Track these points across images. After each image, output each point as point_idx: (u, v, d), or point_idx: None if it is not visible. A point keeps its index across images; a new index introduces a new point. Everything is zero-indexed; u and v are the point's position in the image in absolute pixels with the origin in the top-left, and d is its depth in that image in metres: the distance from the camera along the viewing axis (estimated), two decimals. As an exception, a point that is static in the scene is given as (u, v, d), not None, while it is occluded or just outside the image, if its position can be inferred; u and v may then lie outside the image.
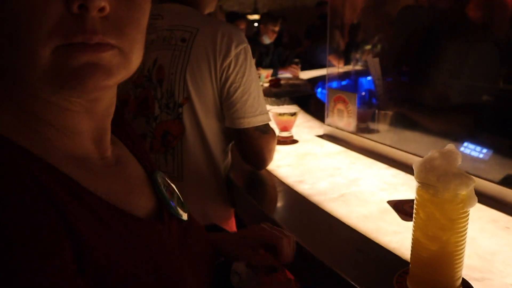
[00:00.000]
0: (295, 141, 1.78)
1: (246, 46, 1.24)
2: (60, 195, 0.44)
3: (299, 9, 10.62)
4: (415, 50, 1.98)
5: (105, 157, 0.58)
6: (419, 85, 1.87)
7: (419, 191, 0.69)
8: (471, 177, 0.66)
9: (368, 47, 5.33)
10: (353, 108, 1.72)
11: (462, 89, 1.69)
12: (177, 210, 0.64)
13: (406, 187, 1.23)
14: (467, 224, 0.68)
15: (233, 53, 1.21)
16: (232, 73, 1.22)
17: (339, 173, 1.36)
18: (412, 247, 0.73)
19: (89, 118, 0.54)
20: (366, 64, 2.21)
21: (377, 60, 1.85)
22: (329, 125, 1.86)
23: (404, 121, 1.72)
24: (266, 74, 3.65)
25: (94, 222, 0.47)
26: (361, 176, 1.33)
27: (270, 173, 1.40)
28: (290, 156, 1.58)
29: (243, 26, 4.12)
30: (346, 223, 1.02)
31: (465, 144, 1.45)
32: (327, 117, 1.87)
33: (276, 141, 1.39)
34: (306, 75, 4.05)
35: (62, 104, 0.51)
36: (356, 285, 0.80)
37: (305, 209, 1.15)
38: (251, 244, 0.77)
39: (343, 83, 2.52)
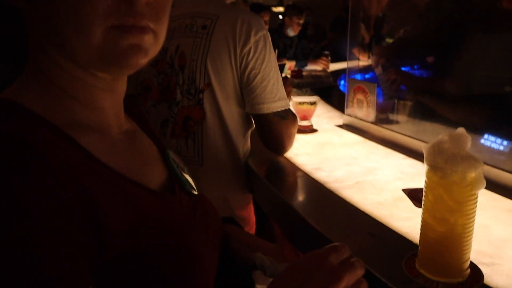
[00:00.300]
0: (314, 130, 1.80)
1: (265, 33, 1.27)
2: (80, 170, 0.48)
3: (325, 2, 10.53)
4: (439, 41, 1.96)
5: (122, 132, 0.62)
6: (441, 75, 1.86)
7: (428, 173, 0.71)
8: (479, 160, 0.67)
9: (392, 40, 5.26)
10: (373, 98, 1.72)
11: (484, 80, 1.68)
12: (189, 183, 0.68)
13: (422, 177, 1.23)
14: (475, 207, 0.69)
15: (252, 39, 1.24)
16: (251, 59, 1.25)
17: (356, 162, 1.38)
18: (421, 229, 0.75)
19: (110, 94, 0.59)
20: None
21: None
22: (349, 115, 1.87)
23: (424, 112, 1.71)
24: (289, 65, 3.66)
25: (112, 195, 0.51)
26: (378, 166, 1.34)
27: (288, 161, 1.43)
28: (309, 144, 1.60)
29: (266, 17, 4.13)
30: (360, 209, 1.04)
31: (486, 136, 1.45)
32: (347, 107, 1.88)
33: (296, 127, 1.41)
34: (330, 67, 4.04)
35: (90, 81, 0.56)
36: (368, 267, 0.82)
37: (321, 196, 1.17)
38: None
39: (367, 76, 2.51)
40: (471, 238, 0.72)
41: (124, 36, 0.50)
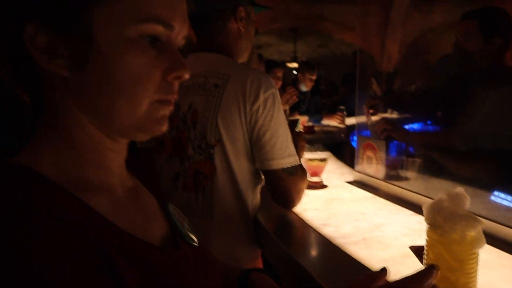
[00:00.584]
0: (324, 186, 1.81)
1: (274, 91, 1.32)
2: (94, 232, 0.51)
3: (337, 57, 10.81)
4: (449, 96, 2.01)
5: (125, 190, 0.65)
6: (450, 131, 1.88)
7: (428, 232, 0.73)
8: (478, 219, 0.68)
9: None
10: (382, 155, 1.75)
11: (493, 136, 1.70)
12: (189, 236, 0.70)
13: (430, 233, 1.24)
14: (476, 265, 0.70)
15: (261, 97, 1.29)
16: (260, 116, 1.30)
17: (364, 218, 1.39)
18: None
19: (118, 155, 0.63)
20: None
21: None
22: (358, 171, 1.89)
23: (433, 169, 1.72)
24: (302, 120, 3.73)
25: (125, 253, 0.53)
26: (386, 222, 1.35)
27: (297, 216, 1.44)
28: (318, 200, 1.62)
29: (280, 73, 4.25)
30: (366, 266, 1.04)
31: (495, 192, 1.45)
32: (357, 164, 1.91)
33: (305, 182, 1.43)
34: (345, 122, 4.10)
35: (107, 145, 0.60)
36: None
37: (328, 251, 1.18)
38: None
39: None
40: (474, 298, 0.72)
41: (162, 108, 0.58)
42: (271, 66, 4.11)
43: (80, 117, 0.57)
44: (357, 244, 1.16)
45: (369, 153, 1.82)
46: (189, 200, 1.37)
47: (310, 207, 1.52)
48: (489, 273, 0.96)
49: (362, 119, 2.37)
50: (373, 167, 1.80)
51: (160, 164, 1.44)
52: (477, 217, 0.69)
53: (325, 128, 3.65)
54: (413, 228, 1.29)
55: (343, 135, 3.44)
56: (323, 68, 7.28)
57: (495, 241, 1.16)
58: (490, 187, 1.47)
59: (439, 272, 0.60)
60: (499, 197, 1.44)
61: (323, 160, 1.82)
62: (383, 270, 0.64)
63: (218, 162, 1.34)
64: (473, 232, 0.68)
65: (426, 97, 2.33)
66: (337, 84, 7.02)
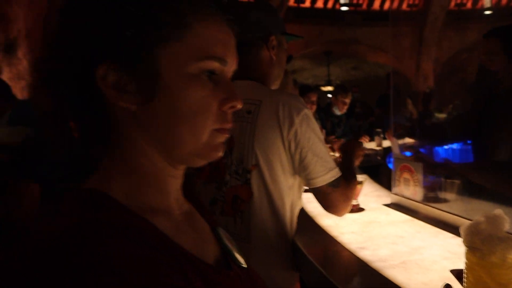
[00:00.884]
0: (361, 209, 1.81)
1: (306, 111, 1.36)
2: (165, 250, 0.55)
3: (371, 79, 10.77)
4: (487, 115, 1.98)
5: (182, 213, 0.69)
6: (489, 152, 1.85)
7: (467, 254, 0.72)
8: (517, 242, 0.68)
9: (442, 115, 5.22)
10: (419, 177, 1.73)
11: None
12: (239, 258, 0.73)
13: (472, 257, 1.21)
14: (518, 289, 0.69)
15: (296, 121, 1.32)
16: (300, 140, 1.33)
17: (402, 241, 1.37)
18: (464, 311, 0.74)
19: (176, 180, 0.68)
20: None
21: (396, 140, 1.92)
22: (396, 194, 1.87)
23: (472, 190, 1.69)
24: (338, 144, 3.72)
25: (193, 274, 0.56)
26: (425, 245, 1.33)
27: (334, 239, 1.44)
28: (355, 223, 1.61)
29: (314, 97, 4.26)
30: (406, 290, 1.03)
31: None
32: (394, 186, 1.89)
33: (350, 189, 1.45)
34: (382, 144, 4.06)
35: (168, 171, 0.65)
36: None
37: (365, 275, 1.17)
38: None
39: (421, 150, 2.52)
40: (517, 322, 0.70)
41: (220, 136, 0.64)
42: (305, 90, 4.14)
43: (145, 146, 0.62)
44: (396, 268, 1.15)
45: (406, 175, 1.81)
46: (227, 224, 1.40)
47: (347, 230, 1.52)
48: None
49: (400, 140, 2.35)
50: (410, 189, 1.78)
51: (198, 190, 1.48)
52: (517, 239, 0.68)
53: (366, 151, 3.62)
54: (454, 251, 1.26)
55: (379, 158, 3.40)
56: (358, 90, 7.25)
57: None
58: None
59: None
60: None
61: (359, 183, 1.82)
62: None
63: (255, 186, 1.37)
64: (513, 255, 0.67)
65: (460, 119, 2.30)
66: (372, 106, 6.98)
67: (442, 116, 5.18)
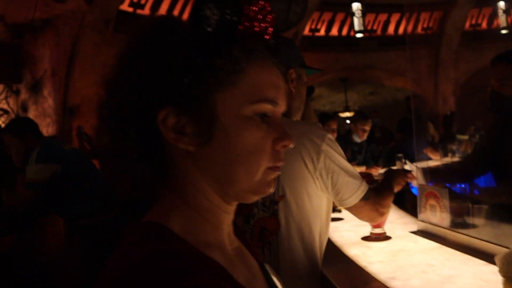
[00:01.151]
0: (388, 238, 1.79)
1: (328, 135, 1.38)
2: (228, 285, 0.57)
3: (389, 104, 10.74)
4: (506, 141, 1.96)
5: (233, 248, 0.71)
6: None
7: (505, 285, 0.72)
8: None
9: (464, 137, 5.14)
10: (446, 203, 1.72)
11: None
12: None
13: (506, 284, 1.19)
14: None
15: (323, 148, 1.35)
16: (329, 165, 1.35)
17: (433, 270, 1.36)
18: None
19: (228, 216, 0.70)
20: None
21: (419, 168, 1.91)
22: (422, 221, 1.86)
23: (502, 215, 1.66)
24: (359, 171, 3.68)
25: None
26: (457, 273, 1.31)
27: (362, 269, 1.43)
28: (382, 252, 1.60)
29: (334, 125, 4.25)
30: (440, 320, 1.02)
31: None
32: (420, 213, 1.87)
33: (383, 197, 1.47)
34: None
35: (222, 207, 0.68)
36: None
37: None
38: None
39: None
40: None
41: (272, 173, 0.66)
42: (325, 119, 4.15)
43: (202, 183, 0.65)
44: (428, 298, 1.14)
45: (432, 201, 1.79)
46: (255, 256, 1.41)
47: (375, 260, 1.51)
48: None
49: (422, 165, 2.33)
50: (437, 215, 1.76)
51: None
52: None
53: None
54: (487, 279, 1.24)
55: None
56: (378, 115, 7.23)
57: None
58: None
59: None
60: None
61: (384, 210, 1.81)
62: None
63: (282, 217, 1.38)
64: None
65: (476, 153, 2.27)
66: (392, 130, 6.95)
67: (464, 138, 5.13)
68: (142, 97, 0.61)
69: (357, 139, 4.43)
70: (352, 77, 9.91)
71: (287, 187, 1.37)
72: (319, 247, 1.44)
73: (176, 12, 6.47)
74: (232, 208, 0.70)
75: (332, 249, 1.69)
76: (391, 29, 9.01)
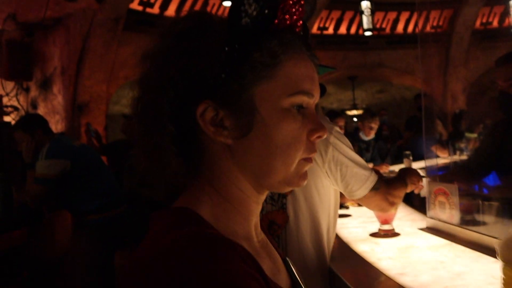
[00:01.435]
0: (396, 234, 1.78)
1: (335, 128, 1.40)
2: (257, 273, 0.57)
3: (398, 102, 10.68)
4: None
5: (259, 240, 0.71)
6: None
7: (504, 270, 0.71)
8: None
9: (473, 135, 5.11)
10: (455, 199, 1.70)
11: None
12: None
13: (517, 281, 1.18)
14: None
15: (330, 140, 1.36)
16: (338, 157, 1.36)
17: (443, 266, 1.35)
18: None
19: (258, 206, 0.70)
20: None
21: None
22: (431, 217, 1.84)
23: (511, 211, 1.65)
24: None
25: None
26: (467, 270, 1.30)
27: (371, 265, 1.42)
28: (391, 248, 1.59)
29: (341, 123, 4.25)
30: (450, 316, 1.01)
31: None
32: (429, 209, 1.86)
33: (393, 188, 1.47)
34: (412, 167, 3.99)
35: (253, 198, 0.68)
36: None
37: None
38: None
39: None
40: None
41: (306, 164, 0.67)
42: (332, 116, 4.13)
43: (237, 174, 0.66)
44: (438, 294, 1.13)
45: (441, 198, 1.78)
46: (263, 251, 1.41)
47: (384, 256, 1.50)
48: None
49: (431, 162, 2.32)
50: (446, 212, 1.75)
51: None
52: None
53: (392, 174, 3.57)
54: (498, 276, 1.22)
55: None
56: (386, 113, 7.19)
57: None
58: None
59: None
60: None
61: (393, 207, 1.80)
62: None
63: (291, 211, 1.38)
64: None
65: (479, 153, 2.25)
66: (400, 128, 6.92)
67: (473, 136, 5.09)
68: (180, 92, 0.61)
69: (364, 137, 4.42)
70: (361, 75, 9.87)
71: None
72: (327, 241, 1.44)
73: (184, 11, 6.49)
74: (262, 198, 0.70)
75: (341, 245, 1.69)
76: (400, 28, 8.97)
